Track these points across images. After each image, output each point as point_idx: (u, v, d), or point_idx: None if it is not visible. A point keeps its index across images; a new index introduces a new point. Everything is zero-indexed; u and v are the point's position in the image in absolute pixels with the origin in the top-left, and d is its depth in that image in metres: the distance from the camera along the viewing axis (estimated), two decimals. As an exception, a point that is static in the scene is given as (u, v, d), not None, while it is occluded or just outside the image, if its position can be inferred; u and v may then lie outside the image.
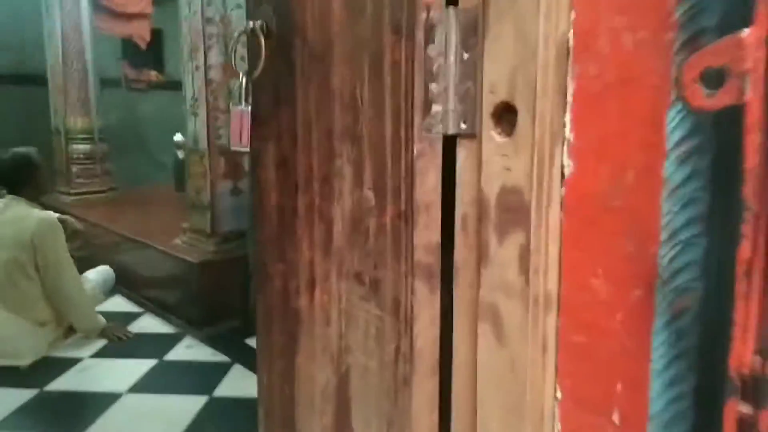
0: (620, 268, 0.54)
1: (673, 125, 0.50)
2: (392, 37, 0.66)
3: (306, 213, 0.85)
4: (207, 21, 2.93)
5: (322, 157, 0.80)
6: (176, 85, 6.85)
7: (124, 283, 3.44)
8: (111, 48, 5.75)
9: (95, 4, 4.89)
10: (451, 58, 0.63)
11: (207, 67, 2.97)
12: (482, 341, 0.59)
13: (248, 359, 2.68)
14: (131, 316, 3.21)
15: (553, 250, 0.56)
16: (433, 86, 0.64)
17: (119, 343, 2.81)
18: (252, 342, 2.88)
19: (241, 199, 3.16)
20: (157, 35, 6.04)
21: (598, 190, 0.55)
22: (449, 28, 0.62)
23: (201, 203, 3.14)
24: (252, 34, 0.86)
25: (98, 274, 3.22)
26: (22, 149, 2.83)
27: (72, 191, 4.61)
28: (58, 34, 4.61)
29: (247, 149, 0.87)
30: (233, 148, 0.86)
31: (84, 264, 3.16)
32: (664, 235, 0.52)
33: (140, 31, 5.46)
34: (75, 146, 4.75)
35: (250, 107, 0.86)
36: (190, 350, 2.79)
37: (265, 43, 0.85)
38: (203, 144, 3.07)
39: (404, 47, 0.65)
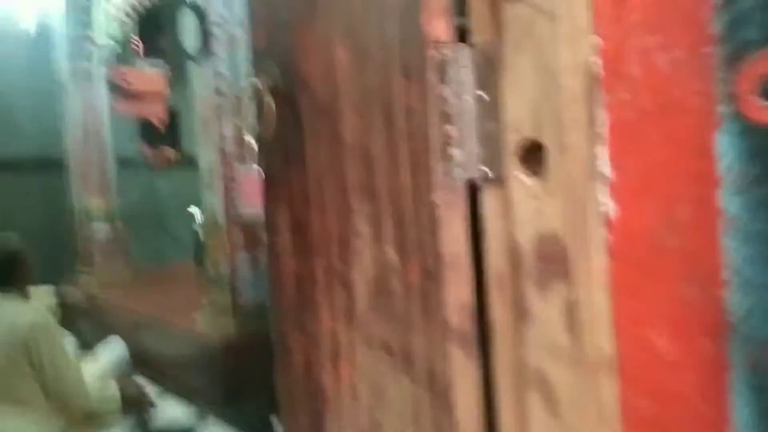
0: (682, 318, 0.47)
1: (724, 148, 0.44)
2: (403, 81, 0.62)
3: (324, 278, 0.79)
4: (218, 93, 2.96)
5: (336, 216, 0.75)
6: (193, 163, 7.00)
7: (142, 364, 3.36)
8: (128, 129, 5.89)
9: (112, 85, 5.04)
10: (468, 98, 0.58)
11: (221, 139, 2.98)
12: (531, 413, 0.51)
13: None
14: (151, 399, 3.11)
15: (602, 301, 0.50)
16: (450, 129, 0.59)
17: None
18: (279, 417, 2.76)
19: (261, 270, 3.11)
20: (172, 114, 6.19)
21: (646, 229, 0.48)
22: (463, 65, 0.58)
23: (221, 278, 3.09)
24: (258, 93, 0.83)
25: (110, 352, 3.10)
26: (2, 237, 2.59)
27: (93, 274, 4.61)
28: (76, 116, 4.73)
29: (259, 211, 0.82)
30: (243, 210, 0.81)
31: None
32: (728, 275, 0.45)
33: (156, 111, 5.60)
34: (95, 229, 4.78)
35: (257, 167, 0.81)
36: None
37: (273, 101, 0.82)
38: (221, 216, 3.05)
39: (417, 91, 0.61)
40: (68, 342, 2.89)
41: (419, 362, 0.64)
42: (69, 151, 4.84)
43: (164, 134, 6.46)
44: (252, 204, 0.81)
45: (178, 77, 6.30)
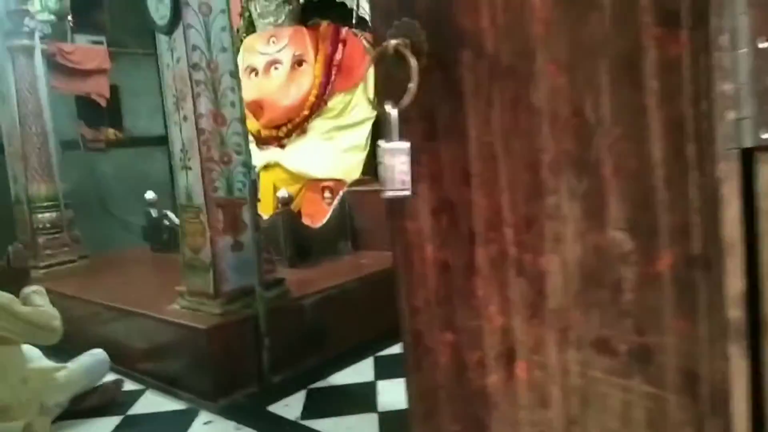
0: None
1: None
2: (659, 30, 0.51)
3: (492, 268, 0.68)
4: (193, 67, 2.74)
5: (520, 196, 0.64)
6: (137, 142, 6.60)
7: (115, 359, 3.11)
8: (66, 109, 5.45)
9: (51, 62, 4.63)
10: (744, 48, 0.49)
11: (197, 116, 2.76)
12: None
13: (277, 429, 2.43)
14: (131, 395, 2.90)
15: None
16: (725, 87, 0.49)
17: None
18: (275, 409, 2.63)
19: (244, 254, 2.93)
20: (113, 91, 5.80)
21: None
22: (740, 11, 0.48)
23: (200, 263, 2.90)
24: (396, 54, 0.70)
25: (90, 356, 2.88)
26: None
27: (41, 264, 4.25)
28: (13, 97, 4.31)
29: (409, 193, 0.69)
30: (389, 195, 0.69)
31: (71, 348, 2.85)
32: None
33: (99, 88, 5.21)
34: (40, 215, 4.41)
35: (408, 143, 0.69)
36: (209, 427, 2.52)
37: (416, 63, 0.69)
38: (199, 199, 2.84)
39: (681, 40, 0.50)
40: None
41: (670, 364, 0.54)
42: (6, 134, 4.42)
43: (104, 113, 6.05)
44: (398, 184, 0.68)
45: (119, 52, 5.90)
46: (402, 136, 0.70)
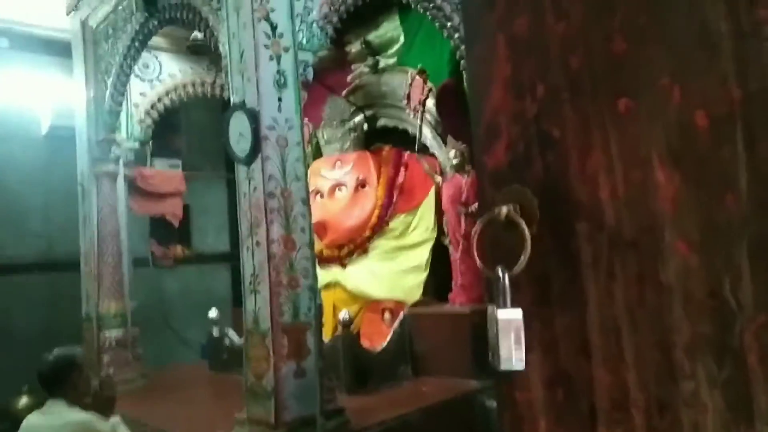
0: None
1: None
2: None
3: (620, 451, 0.62)
4: (269, 195, 2.86)
5: (650, 376, 0.60)
6: (202, 259, 6.83)
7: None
8: (139, 227, 5.74)
9: (130, 186, 4.95)
10: None
11: (269, 242, 2.84)
12: None
13: None
14: None
15: None
16: None
17: None
18: None
19: (307, 380, 2.88)
20: (184, 210, 6.09)
21: None
22: None
23: (262, 389, 2.85)
24: (507, 221, 0.70)
25: None
26: (66, 349, 2.67)
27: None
28: (94, 218, 4.58)
29: (522, 367, 0.66)
30: (503, 368, 0.66)
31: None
32: None
33: (173, 210, 5.49)
34: (107, 333, 4.52)
35: (520, 310, 0.67)
36: None
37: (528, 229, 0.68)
38: (265, 323, 2.85)
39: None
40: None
41: None
42: (83, 255, 4.65)
43: (174, 231, 6.34)
44: (511, 356, 0.66)
45: (192, 174, 6.27)
46: (513, 301, 0.69)
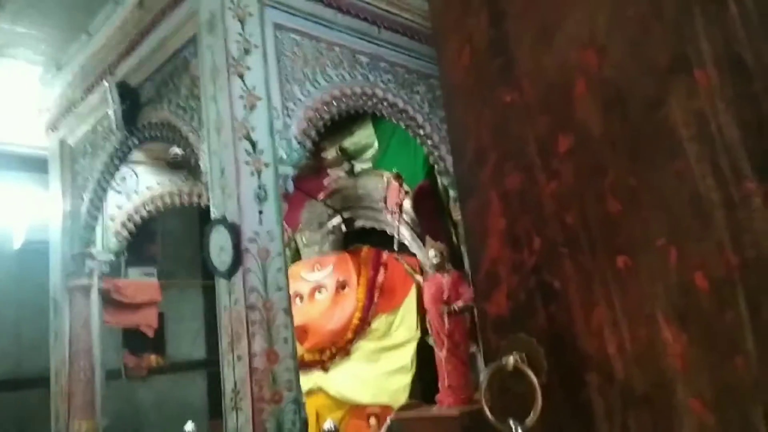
0: None
1: None
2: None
3: None
4: (250, 308, 2.82)
5: None
6: (177, 367, 6.60)
7: None
8: (112, 338, 5.56)
9: (104, 298, 4.84)
10: None
11: (251, 356, 2.77)
12: None
13: None
14: None
15: None
16: None
17: None
18: None
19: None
20: (159, 319, 5.93)
21: None
22: None
23: None
24: (514, 370, 0.70)
25: None
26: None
27: None
28: (66, 333, 4.43)
29: None
30: None
31: None
32: None
33: (148, 320, 5.36)
34: (77, 455, 4.26)
35: (539, 473, 0.66)
36: None
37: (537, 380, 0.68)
38: (249, 441, 2.73)
39: None
40: None
41: None
42: (53, 372, 4.46)
43: (148, 340, 6.16)
44: None
45: (168, 282, 6.17)
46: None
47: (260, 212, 2.97)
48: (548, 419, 0.68)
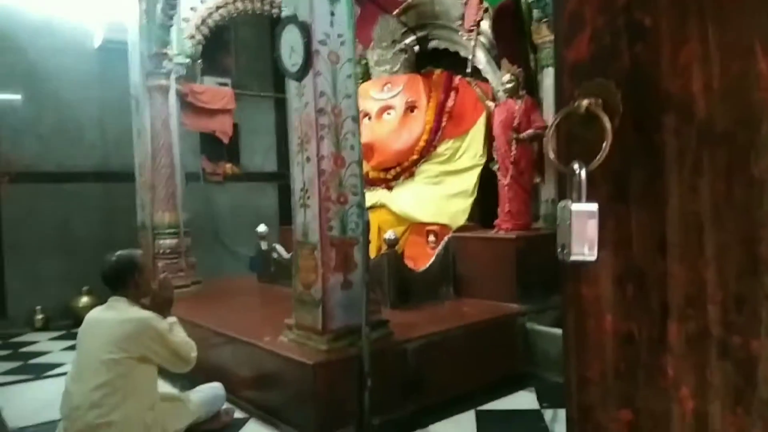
0: None
1: None
2: None
3: (688, 346, 0.63)
4: (319, 112, 2.85)
5: (730, 272, 0.59)
6: (251, 177, 6.96)
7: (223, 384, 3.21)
8: (190, 143, 5.84)
9: (182, 102, 5.01)
10: None
11: (319, 158, 2.87)
12: None
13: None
14: (235, 423, 2.98)
15: None
16: None
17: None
18: (374, 453, 2.60)
19: (353, 292, 2.96)
20: (233, 129, 6.14)
21: None
22: None
23: (311, 298, 2.96)
24: (586, 114, 0.68)
25: (211, 389, 3.00)
26: (126, 252, 2.77)
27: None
28: (147, 131, 4.69)
29: (594, 258, 0.66)
30: (574, 259, 0.66)
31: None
32: None
33: (223, 127, 5.56)
34: (162, 241, 4.72)
35: (596, 204, 0.66)
36: (311, 465, 2.53)
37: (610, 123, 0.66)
38: (314, 236, 2.92)
39: None
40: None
41: None
42: (138, 165, 4.80)
43: (223, 149, 6.45)
44: (583, 248, 0.65)
45: (241, 94, 6.28)
46: (577, 198, 0.68)
47: (332, 13, 2.88)
48: (614, 163, 0.67)
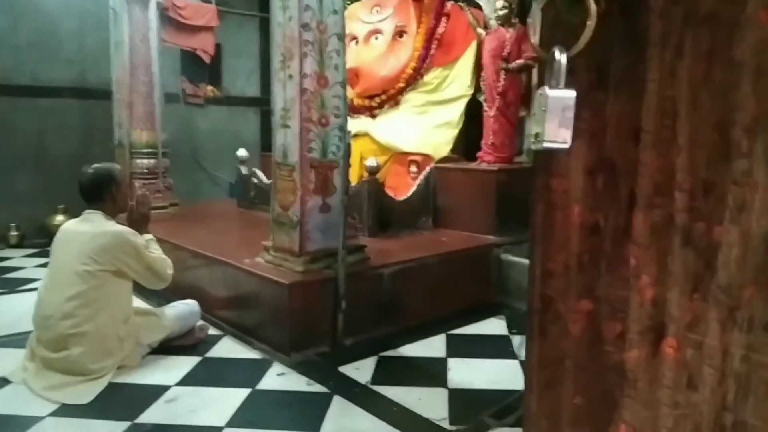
0: None
1: None
2: None
3: (652, 235, 0.63)
4: (304, 27, 2.76)
5: (701, 157, 0.58)
6: (232, 101, 6.80)
7: (198, 303, 3.24)
8: (170, 63, 5.65)
9: (162, 16, 4.81)
10: None
11: (302, 76, 2.79)
12: None
13: (347, 390, 2.46)
14: (210, 338, 3.02)
15: None
16: None
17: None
18: (346, 370, 2.66)
19: (331, 216, 2.96)
20: (215, 50, 5.94)
21: None
22: None
23: (288, 220, 2.95)
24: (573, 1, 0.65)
25: (186, 305, 3.01)
26: (105, 164, 2.73)
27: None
28: (125, 44, 4.51)
29: (567, 146, 0.65)
30: (546, 146, 0.65)
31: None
32: None
33: (205, 45, 5.38)
34: (139, 160, 4.64)
35: (574, 92, 0.64)
36: (282, 379, 2.58)
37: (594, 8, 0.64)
38: (294, 157, 2.88)
39: None
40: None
41: None
42: (116, 82, 4.64)
43: (205, 70, 6.26)
44: (556, 134, 0.64)
45: (225, 12, 6.05)
46: (567, 85, 0.66)
47: None
48: (592, 49, 0.64)
